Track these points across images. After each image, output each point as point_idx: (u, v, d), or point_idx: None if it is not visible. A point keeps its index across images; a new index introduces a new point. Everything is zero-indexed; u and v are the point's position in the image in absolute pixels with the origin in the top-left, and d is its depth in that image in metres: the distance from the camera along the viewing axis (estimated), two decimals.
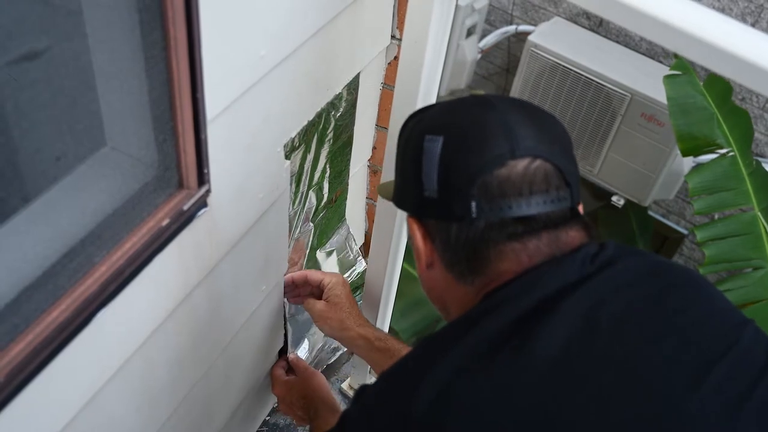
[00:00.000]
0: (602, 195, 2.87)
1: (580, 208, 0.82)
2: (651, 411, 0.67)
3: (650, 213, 2.96)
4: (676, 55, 2.67)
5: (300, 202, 1.22)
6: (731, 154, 1.81)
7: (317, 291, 1.26)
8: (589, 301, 0.74)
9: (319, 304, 1.22)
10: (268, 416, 1.52)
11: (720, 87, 1.87)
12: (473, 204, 0.77)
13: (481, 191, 0.76)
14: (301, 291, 1.29)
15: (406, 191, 0.85)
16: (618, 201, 2.77)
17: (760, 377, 0.70)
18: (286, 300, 1.31)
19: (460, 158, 0.78)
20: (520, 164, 0.77)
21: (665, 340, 0.72)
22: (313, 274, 1.28)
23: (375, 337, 1.19)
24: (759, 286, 1.75)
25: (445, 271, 0.83)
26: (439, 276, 0.84)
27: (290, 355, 1.37)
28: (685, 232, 2.99)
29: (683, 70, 1.88)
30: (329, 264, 1.47)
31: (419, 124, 0.85)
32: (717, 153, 1.85)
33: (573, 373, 0.69)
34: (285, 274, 1.26)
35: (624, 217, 2.84)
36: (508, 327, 0.73)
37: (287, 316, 1.34)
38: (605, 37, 2.79)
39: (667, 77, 1.87)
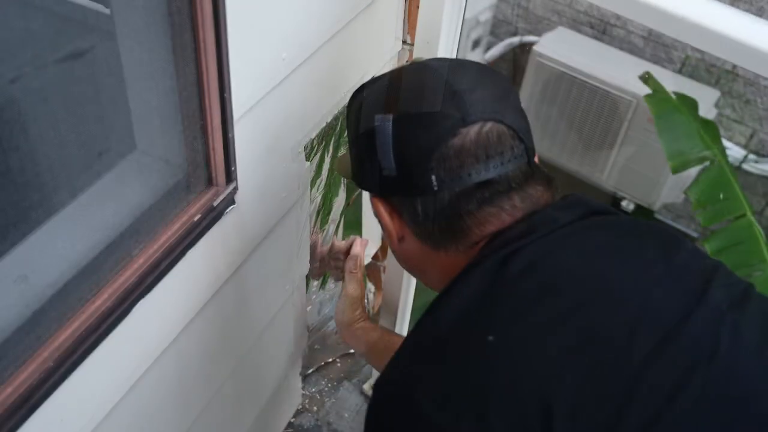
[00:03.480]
0: (611, 200, 2.90)
1: (536, 159, 0.84)
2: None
3: (659, 217, 2.98)
4: (684, 61, 2.71)
5: (319, 204, 1.26)
6: (715, 163, 1.85)
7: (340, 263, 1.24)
8: (586, 234, 0.78)
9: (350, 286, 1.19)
10: (293, 418, 1.55)
11: (688, 102, 1.91)
12: (433, 177, 0.78)
13: (439, 163, 0.78)
14: (328, 265, 1.30)
15: (365, 171, 0.86)
16: (627, 206, 2.80)
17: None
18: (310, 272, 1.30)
19: (413, 134, 0.80)
20: (473, 130, 0.78)
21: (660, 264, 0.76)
22: (338, 244, 1.28)
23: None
24: (760, 289, 1.76)
25: (420, 243, 0.84)
26: (413, 247, 0.85)
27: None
28: (696, 235, 3.01)
29: (656, 88, 1.90)
30: None
31: (366, 101, 0.86)
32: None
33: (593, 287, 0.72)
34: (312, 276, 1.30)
35: None
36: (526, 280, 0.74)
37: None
38: (609, 44, 2.83)
39: (648, 97, 1.89)
